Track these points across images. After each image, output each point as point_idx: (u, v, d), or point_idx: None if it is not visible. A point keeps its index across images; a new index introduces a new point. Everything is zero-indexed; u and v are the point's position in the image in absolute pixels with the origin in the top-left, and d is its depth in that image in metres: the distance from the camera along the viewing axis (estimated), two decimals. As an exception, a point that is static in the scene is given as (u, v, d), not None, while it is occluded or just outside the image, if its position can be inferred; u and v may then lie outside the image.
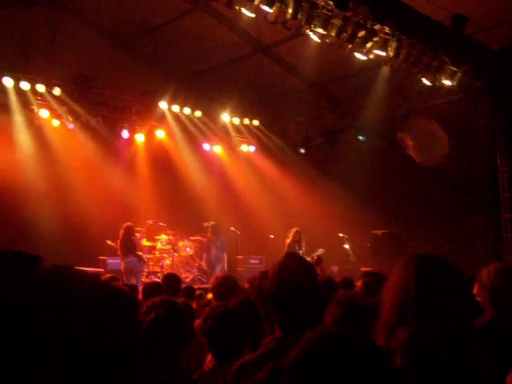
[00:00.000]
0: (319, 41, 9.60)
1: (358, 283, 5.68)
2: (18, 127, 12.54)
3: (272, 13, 8.74)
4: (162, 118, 14.26)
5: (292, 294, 2.27)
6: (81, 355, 0.86)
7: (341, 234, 13.55)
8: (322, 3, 8.88)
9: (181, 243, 13.83)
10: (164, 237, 13.69)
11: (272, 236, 13.82)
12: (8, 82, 11.86)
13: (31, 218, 11.77)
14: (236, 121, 15.34)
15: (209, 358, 3.64)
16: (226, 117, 15.02)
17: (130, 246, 11.86)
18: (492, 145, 11.82)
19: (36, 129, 12.81)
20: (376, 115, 13.56)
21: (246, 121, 15.49)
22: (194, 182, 14.89)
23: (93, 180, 13.09)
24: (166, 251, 13.54)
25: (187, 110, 14.37)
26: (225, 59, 14.02)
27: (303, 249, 12.58)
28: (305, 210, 14.59)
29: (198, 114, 14.58)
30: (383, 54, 9.86)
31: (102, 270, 12.30)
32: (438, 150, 12.52)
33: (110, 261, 12.60)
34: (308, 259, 12.04)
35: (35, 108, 12.47)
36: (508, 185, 11.46)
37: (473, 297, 3.11)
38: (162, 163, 14.69)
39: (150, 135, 14.55)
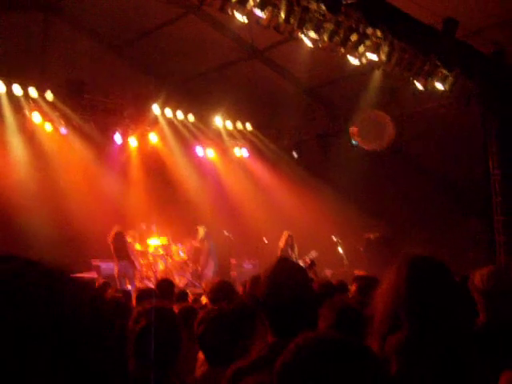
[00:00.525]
0: (312, 45, 9.62)
1: (352, 287, 5.69)
2: (11, 132, 12.49)
3: (264, 17, 8.76)
4: (154, 122, 14.23)
5: (284, 299, 2.27)
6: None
7: (334, 238, 13.57)
8: (315, 7, 8.90)
9: (174, 248, 13.80)
10: (157, 241, 13.65)
11: (265, 240, 13.82)
12: (0, 86, 11.81)
13: (24, 222, 11.72)
14: (229, 124, 15.33)
15: (200, 361, 3.63)
16: (218, 120, 15.01)
17: (123, 251, 11.84)
18: (484, 148, 11.87)
19: (28, 133, 12.76)
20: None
21: (239, 124, 15.48)
22: (187, 186, 14.87)
23: (86, 184, 13.06)
24: (159, 256, 13.51)
25: (180, 114, 14.35)
26: (218, 63, 14.03)
27: (296, 252, 12.59)
28: (298, 213, 14.59)
29: (191, 117, 14.57)
30: (375, 57, 9.89)
31: (95, 275, 12.27)
32: (384, 136, 12.64)
33: (104, 265, 12.56)
34: (300, 262, 12.07)
35: (27, 112, 12.42)
36: (500, 188, 11.50)
37: (469, 299, 3.11)
38: (155, 167, 14.67)
39: (142, 139, 14.53)
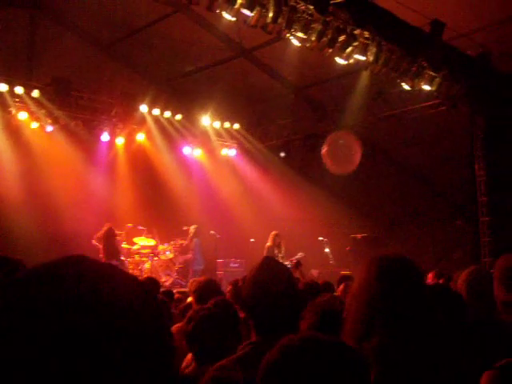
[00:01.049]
0: (299, 45, 9.64)
1: (340, 287, 5.70)
2: (-4, 130, 12.41)
3: (252, 17, 8.76)
4: (142, 121, 14.18)
5: (268, 299, 2.28)
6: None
7: (321, 238, 13.60)
8: (303, 7, 8.92)
9: (160, 247, 13.77)
10: (144, 240, 13.62)
11: (252, 239, 13.82)
12: (-14, 84, 11.73)
13: (9, 222, 11.62)
14: (217, 124, 15.32)
15: (187, 359, 3.63)
16: (206, 120, 14.99)
17: (113, 251, 11.82)
18: (470, 149, 11.96)
19: (14, 131, 12.67)
20: (356, 119, 13.65)
21: (227, 124, 15.47)
22: (174, 185, 14.84)
23: (72, 183, 12.98)
24: (146, 255, 13.47)
25: (167, 114, 14.32)
26: (206, 62, 14.02)
27: (283, 252, 12.60)
28: (285, 213, 14.62)
29: (179, 117, 14.54)
30: (363, 58, 9.93)
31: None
32: (350, 162, 12.78)
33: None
34: (287, 263, 12.09)
35: (13, 110, 12.33)
36: (485, 188, 11.60)
37: (446, 299, 3.12)
38: (142, 166, 14.62)
39: (130, 138, 14.48)
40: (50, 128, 13.01)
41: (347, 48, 9.61)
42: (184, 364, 3.64)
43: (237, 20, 9.01)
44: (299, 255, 12.51)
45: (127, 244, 13.36)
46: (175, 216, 14.43)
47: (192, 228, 13.75)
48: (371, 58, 9.88)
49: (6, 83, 11.90)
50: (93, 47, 13.83)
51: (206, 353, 3.32)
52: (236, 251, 14.25)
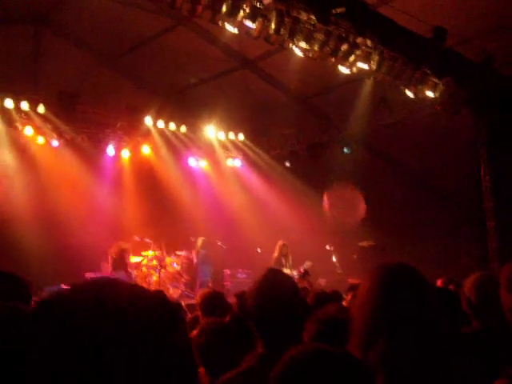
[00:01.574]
0: (302, 55, 9.67)
1: (348, 296, 5.67)
2: (2, 145, 12.46)
3: (255, 28, 8.80)
4: (147, 134, 14.24)
5: (273, 310, 2.28)
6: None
7: (328, 247, 13.57)
8: (305, 18, 8.95)
9: (168, 259, 13.76)
10: (150, 253, 13.61)
11: (259, 250, 13.81)
12: (-9, 100, 11.81)
13: (16, 236, 11.66)
14: (221, 135, 15.36)
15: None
16: (211, 131, 15.03)
17: (121, 263, 11.85)
18: (475, 155, 11.94)
19: (20, 147, 12.74)
20: (360, 127, 13.66)
21: (232, 135, 15.52)
22: (180, 197, 14.86)
23: (78, 197, 13.02)
24: (153, 267, 13.46)
25: (172, 126, 14.37)
26: (209, 74, 14.08)
27: (290, 262, 12.58)
28: (291, 222, 14.60)
29: (183, 129, 14.59)
30: (366, 66, 9.95)
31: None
32: (354, 215, 12.80)
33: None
34: (294, 273, 12.06)
35: (19, 126, 12.40)
36: (491, 194, 11.56)
37: (453, 306, 3.11)
38: (148, 179, 14.65)
39: (135, 151, 14.52)
40: (55, 143, 13.09)
41: (350, 57, 9.64)
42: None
43: (239, 31, 9.06)
44: (307, 264, 12.47)
45: (134, 257, 13.36)
46: (182, 227, 14.43)
47: (199, 240, 13.75)
48: (374, 67, 9.90)
49: (11, 99, 11.98)
50: (97, 61, 13.90)
51: (218, 366, 3.31)
52: (243, 262, 14.24)
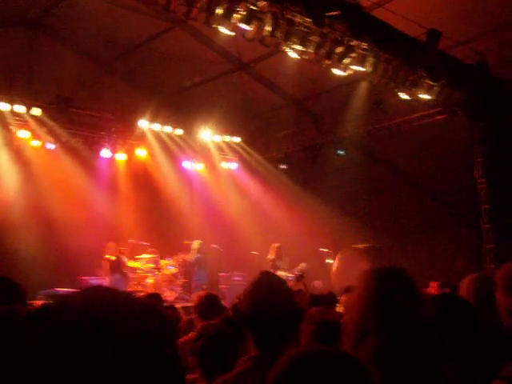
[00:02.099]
0: (298, 57, 9.69)
1: (343, 298, 5.67)
2: (-3, 148, 12.46)
3: (250, 31, 8.81)
4: (142, 137, 14.24)
5: (266, 313, 2.29)
6: None
7: (323, 249, 13.58)
8: (300, 20, 8.97)
9: (163, 262, 13.75)
10: (146, 256, 13.60)
11: (255, 252, 13.80)
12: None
13: (11, 239, 11.64)
14: (217, 138, 15.37)
15: (191, 377, 3.61)
16: (206, 134, 15.04)
17: (117, 264, 11.83)
18: (470, 157, 11.97)
19: (15, 150, 12.72)
20: (356, 129, 13.68)
21: (227, 138, 15.53)
22: (176, 200, 14.85)
23: (74, 200, 13.00)
24: (149, 270, 13.44)
25: (168, 128, 14.37)
26: (204, 77, 14.08)
27: (285, 264, 12.59)
28: (287, 225, 14.60)
29: (179, 131, 14.59)
30: (361, 69, 9.97)
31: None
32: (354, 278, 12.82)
33: (93, 281, 12.47)
34: (290, 275, 12.07)
35: (14, 129, 12.39)
36: (487, 196, 11.59)
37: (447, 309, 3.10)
38: (144, 182, 14.64)
39: (130, 154, 14.51)
40: (51, 146, 13.07)
41: (345, 59, 9.66)
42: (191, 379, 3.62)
43: (235, 34, 9.07)
44: (302, 266, 12.49)
45: (130, 260, 13.34)
46: (177, 230, 14.42)
47: (195, 243, 13.73)
48: (369, 69, 9.92)
49: (6, 102, 11.97)
50: (92, 64, 13.90)
51: (215, 369, 3.31)
52: (239, 264, 14.23)
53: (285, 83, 13.53)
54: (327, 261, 13.44)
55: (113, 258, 12.34)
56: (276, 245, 12.65)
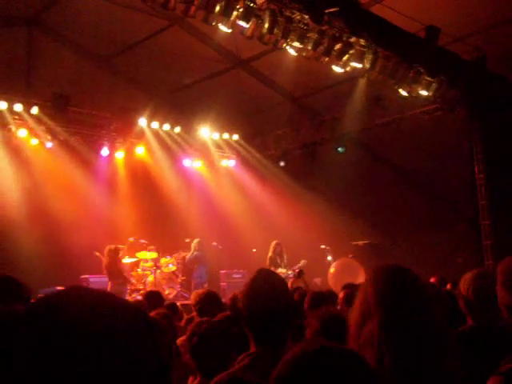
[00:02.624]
0: (296, 54, 9.68)
1: (340, 295, 5.67)
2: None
3: (248, 28, 8.81)
4: (141, 135, 14.22)
5: (264, 310, 2.31)
6: None
7: (323, 246, 13.59)
8: (298, 17, 8.97)
9: (163, 260, 13.74)
10: (146, 254, 13.59)
11: (254, 249, 13.81)
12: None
13: (10, 238, 11.63)
14: (216, 136, 15.37)
15: (191, 379, 3.62)
16: (205, 132, 15.03)
17: (116, 270, 11.80)
18: (469, 153, 11.97)
19: (14, 148, 12.71)
20: (354, 126, 13.67)
21: (226, 135, 15.52)
22: (175, 197, 14.85)
23: (73, 198, 12.99)
24: (149, 268, 13.44)
25: (167, 126, 14.36)
26: (203, 75, 14.07)
27: (285, 261, 12.59)
28: (286, 222, 14.61)
29: (178, 129, 14.59)
30: (359, 66, 9.97)
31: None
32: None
33: (93, 279, 12.47)
34: (290, 272, 12.07)
35: (13, 127, 12.37)
36: (485, 192, 11.59)
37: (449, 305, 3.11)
38: (143, 180, 14.63)
39: (129, 152, 14.51)
40: (49, 144, 13.06)
41: (343, 56, 9.66)
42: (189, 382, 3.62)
43: (233, 31, 9.06)
44: (302, 263, 12.50)
45: (129, 258, 13.34)
46: (177, 228, 14.43)
47: (195, 242, 13.73)
48: (368, 66, 9.92)
49: (4, 101, 11.95)
50: (90, 62, 13.88)
51: (210, 367, 3.31)
52: (238, 262, 14.24)
53: (283, 80, 13.51)
54: (327, 258, 13.44)
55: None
56: (275, 242, 12.66)
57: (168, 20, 12.07)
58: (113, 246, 11.98)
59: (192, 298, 5.22)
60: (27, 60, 12.92)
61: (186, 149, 15.15)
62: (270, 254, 12.53)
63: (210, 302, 4.72)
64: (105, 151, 13.85)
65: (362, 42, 9.68)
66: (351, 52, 9.68)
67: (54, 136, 12.99)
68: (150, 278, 13.23)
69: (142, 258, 13.54)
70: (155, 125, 14.14)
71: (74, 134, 13.17)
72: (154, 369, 0.92)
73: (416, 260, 13.36)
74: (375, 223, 14.84)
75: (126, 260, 13.09)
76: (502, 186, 11.40)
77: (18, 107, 12.12)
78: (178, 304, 7.99)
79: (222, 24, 8.77)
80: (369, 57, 9.83)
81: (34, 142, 12.94)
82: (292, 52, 9.60)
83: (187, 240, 13.90)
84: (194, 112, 14.69)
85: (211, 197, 15.68)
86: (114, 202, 14.11)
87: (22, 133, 12.51)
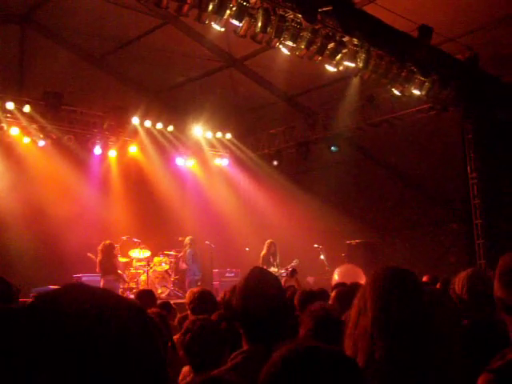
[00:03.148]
0: (289, 53, 9.69)
1: (332, 294, 5.69)
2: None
3: (241, 27, 8.80)
4: (134, 134, 14.20)
5: (257, 308, 2.32)
6: None
7: (316, 245, 13.61)
8: (291, 16, 8.97)
9: (156, 258, 13.73)
10: (139, 252, 13.57)
11: (247, 248, 13.82)
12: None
13: (3, 236, 11.59)
14: (209, 134, 15.36)
15: (185, 370, 3.63)
16: (198, 130, 15.02)
17: (110, 266, 11.76)
18: (462, 153, 12.02)
19: (6, 147, 12.66)
20: (348, 125, 13.69)
21: (219, 134, 15.52)
22: (168, 196, 14.83)
23: (65, 197, 12.95)
24: (141, 267, 13.42)
25: (159, 125, 14.34)
26: (196, 73, 14.05)
27: (278, 260, 12.60)
28: (279, 221, 14.62)
29: (171, 128, 14.56)
30: (352, 65, 9.98)
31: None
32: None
33: (86, 278, 12.43)
34: (282, 271, 12.08)
35: (5, 126, 12.31)
36: (478, 191, 11.65)
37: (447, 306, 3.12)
38: (136, 179, 14.61)
39: (122, 151, 14.48)
40: (42, 143, 13.00)
41: (336, 55, 9.67)
42: (181, 376, 3.63)
43: (226, 30, 9.05)
44: (294, 262, 12.51)
45: (122, 257, 13.31)
46: (170, 227, 14.41)
47: (187, 239, 13.73)
48: (361, 65, 9.94)
49: (-3, 99, 11.91)
50: (83, 61, 13.83)
51: (203, 363, 3.33)
52: (231, 261, 14.25)
53: (276, 79, 13.52)
54: (320, 257, 13.46)
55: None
56: (269, 241, 12.67)
57: (161, 18, 12.05)
58: (108, 242, 11.95)
59: (187, 297, 5.22)
60: (20, 58, 12.86)
61: (179, 147, 15.13)
62: (263, 252, 12.52)
63: (203, 300, 4.72)
64: (97, 150, 13.82)
65: (355, 41, 9.70)
66: (344, 51, 9.69)
67: (46, 134, 12.93)
68: (143, 277, 13.21)
69: (134, 256, 13.52)
70: (148, 123, 14.12)
71: (67, 132, 13.12)
72: (152, 364, 0.93)
73: (409, 259, 13.43)
74: (368, 222, 14.89)
75: (119, 259, 13.06)
76: (494, 185, 11.46)
77: (10, 105, 12.07)
78: (172, 303, 7.99)
79: (215, 23, 8.75)
80: (362, 56, 9.84)
81: (26, 140, 12.89)
82: (285, 51, 9.60)
83: (180, 238, 13.89)
84: (187, 111, 14.68)
85: (204, 196, 15.67)
86: (106, 201, 14.08)
87: (14, 131, 12.46)
